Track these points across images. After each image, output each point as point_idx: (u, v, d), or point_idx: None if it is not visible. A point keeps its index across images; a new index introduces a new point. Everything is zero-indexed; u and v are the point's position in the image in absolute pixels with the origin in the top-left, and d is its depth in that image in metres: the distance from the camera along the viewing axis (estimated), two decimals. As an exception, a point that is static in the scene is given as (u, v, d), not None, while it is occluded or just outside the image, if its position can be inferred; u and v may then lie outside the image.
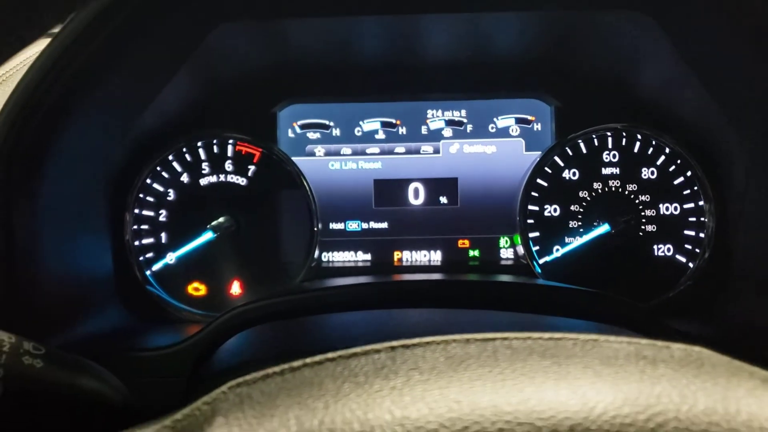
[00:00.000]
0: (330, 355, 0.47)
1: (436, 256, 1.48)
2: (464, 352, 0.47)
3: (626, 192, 1.42)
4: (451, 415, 0.39)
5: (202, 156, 1.43)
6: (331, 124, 1.49)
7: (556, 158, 1.43)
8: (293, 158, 1.45)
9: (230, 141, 1.44)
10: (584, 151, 1.43)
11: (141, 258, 1.42)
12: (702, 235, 1.39)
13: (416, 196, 1.48)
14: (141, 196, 1.42)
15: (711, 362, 0.46)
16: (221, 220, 1.41)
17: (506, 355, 0.46)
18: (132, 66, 1.07)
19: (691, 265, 1.40)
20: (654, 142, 1.41)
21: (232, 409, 0.43)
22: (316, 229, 1.45)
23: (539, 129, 1.48)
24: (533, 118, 1.48)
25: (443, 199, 1.48)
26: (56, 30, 0.94)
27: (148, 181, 1.42)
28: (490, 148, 1.48)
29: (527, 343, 0.48)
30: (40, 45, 0.94)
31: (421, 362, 0.45)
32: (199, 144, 1.43)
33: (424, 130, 1.49)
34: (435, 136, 1.49)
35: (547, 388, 0.41)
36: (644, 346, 0.48)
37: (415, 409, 0.40)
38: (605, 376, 0.43)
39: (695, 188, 1.40)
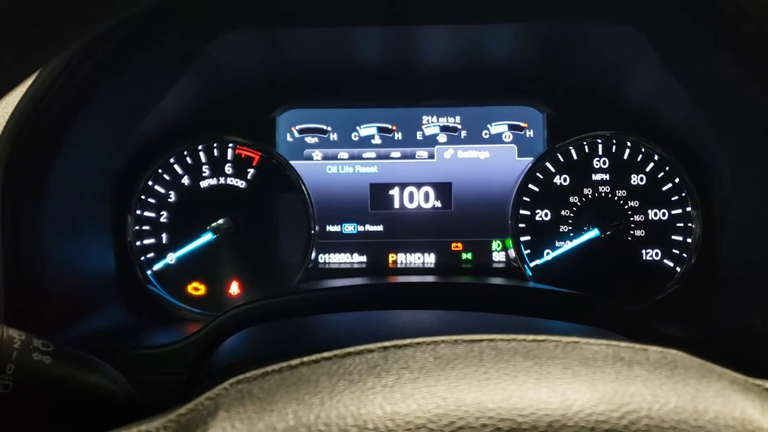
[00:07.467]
0: (326, 354, 0.48)
1: (429, 259, 1.49)
2: (452, 353, 0.48)
3: (615, 198, 1.43)
4: (438, 411, 0.40)
5: (203, 159, 1.45)
6: (329, 129, 1.50)
7: (548, 164, 1.45)
8: (291, 162, 1.46)
9: (230, 145, 1.45)
10: (575, 157, 1.44)
11: (142, 258, 1.43)
12: (689, 240, 1.40)
13: (411, 199, 1.49)
14: (143, 197, 1.43)
15: (684, 364, 0.47)
16: (221, 221, 1.42)
17: (491, 355, 0.47)
18: (135, 75, 1.08)
19: (678, 269, 1.41)
20: (643, 150, 1.42)
21: (233, 404, 0.44)
22: (313, 231, 1.46)
23: (531, 135, 1.49)
24: (526, 125, 1.49)
25: (437, 203, 1.49)
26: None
27: (150, 183, 1.43)
28: (484, 154, 1.49)
29: (512, 344, 0.49)
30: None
31: (412, 362, 0.46)
32: (200, 147, 1.44)
33: (419, 135, 1.50)
34: (430, 141, 1.50)
35: (528, 387, 0.43)
36: (622, 348, 0.49)
37: (404, 405, 0.41)
38: (583, 377, 0.44)
39: (683, 194, 1.41)
